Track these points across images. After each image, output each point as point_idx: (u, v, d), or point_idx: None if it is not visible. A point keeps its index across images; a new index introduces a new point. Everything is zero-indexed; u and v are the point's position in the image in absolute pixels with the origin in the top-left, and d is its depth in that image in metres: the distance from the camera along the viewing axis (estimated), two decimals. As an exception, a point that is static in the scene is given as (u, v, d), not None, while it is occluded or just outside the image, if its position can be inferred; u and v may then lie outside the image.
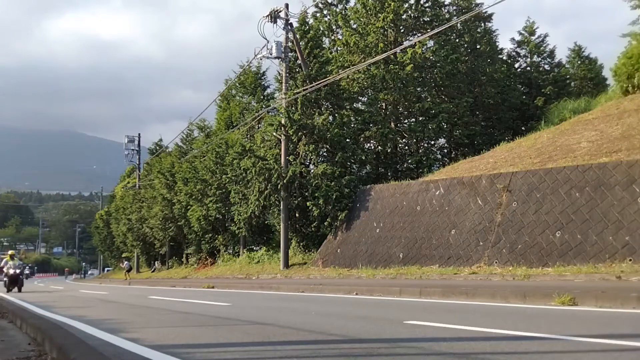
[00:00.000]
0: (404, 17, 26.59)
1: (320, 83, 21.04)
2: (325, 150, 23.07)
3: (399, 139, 27.20)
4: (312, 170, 22.79)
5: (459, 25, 29.64)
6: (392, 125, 26.23)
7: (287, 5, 22.25)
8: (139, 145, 46.45)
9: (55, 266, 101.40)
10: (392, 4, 25.54)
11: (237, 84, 31.60)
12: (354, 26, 27.55)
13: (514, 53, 34.51)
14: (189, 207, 31.43)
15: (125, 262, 44.32)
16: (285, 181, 21.49)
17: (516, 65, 34.44)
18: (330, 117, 22.44)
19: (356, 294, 12.15)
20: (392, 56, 24.93)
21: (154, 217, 36.87)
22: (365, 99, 27.52)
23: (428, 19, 26.97)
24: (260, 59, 25.17)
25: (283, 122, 21.94)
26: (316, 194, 21.04)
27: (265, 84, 30.72)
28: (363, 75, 26.09)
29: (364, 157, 23.81)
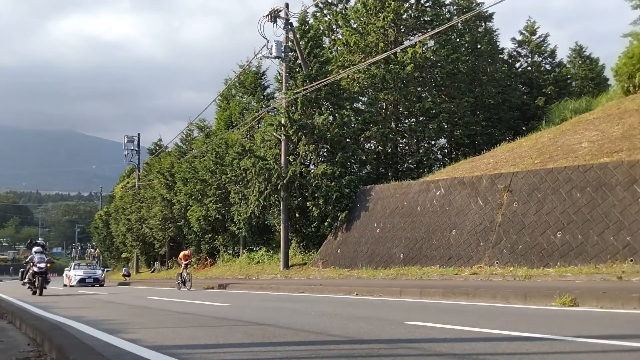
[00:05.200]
0: (404, 16, 26.56)
1: (321, 83, 21.01)
2: (325, 150, 23.04)
3: (399, 139, 27.17)
4: (312, 171, 22.75)
5: (459, 24, 29.62)
6: (393, 125, 26.20)
7: (287, 5, 22.22)
8: (138, 145, 46.39)
9: (55, 267, 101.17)
10: (393, 3, 25.50)
11: (237, 84, 31.56)
12: (354, 26, 27.51)
13: (515, 53, 34.52)
14: (188, 207, 31.41)
15: (124, 269, 44.58)
16: (285, 181, 21.46)
17: (517, 65, 34.43)
18: (331, 117, 22.41)
19: (356, 294, 12.13)
20: (392, 56, 24.89)
21: (154, 217, 36.85)
22: (366, 98, 27.49)
23: (428, 18, 26.92)
24: (260, 59, 25.17)
25: (283, 122, 21.92)
26: (316, 194, 21.01)
27: (265, 84, 30.69)
28: (363, 75, 26.05)
29: (364, 157, 23.78)
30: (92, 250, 50.42)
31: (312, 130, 21.72)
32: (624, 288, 8.77)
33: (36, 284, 16.84)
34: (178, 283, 19.80)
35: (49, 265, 17.57)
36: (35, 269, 16.73)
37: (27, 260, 17.96)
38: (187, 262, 19.85)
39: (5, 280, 60.91)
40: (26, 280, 17.81)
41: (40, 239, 23.38)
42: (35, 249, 17.48)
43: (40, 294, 16.41)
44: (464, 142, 27.89)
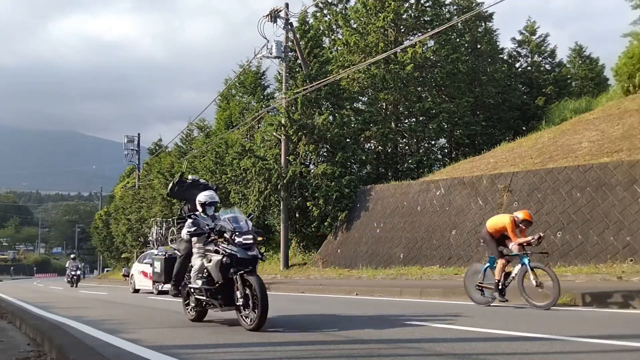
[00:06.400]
0: (404, 16, 26.55)
1: (320, 83, 21.01)
2: (325, 150, 23.03)
3: (399, 138, 27.15)
4: (312, 171, 22.75)
5: (459, 24, 29.60)
6: (393, 125, 26.20)
7: (287, 5, 22.21)
8: (138, 145, 46.41)
9: (55, 266, 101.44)
10: (393, 3, 25.50)
11: (237, 84, 31.56)
12: (354, 26, 27.51)
13: (515, 53, 34.48)
14: (188, 207, 31.37)
15: (124, 269, 44.65)
16: (285, 181, 21.46)
17: (517, 65, 34.39)
18: (331, 117, 22.40)
19: (356, 294, 12.14)
20: (392, 56, 24.88)
21: (154, 217, 36.82)
22: (366, 98, 27.48)
23: (428, 18, 26.92)
24: (260, 59, 25.16)
25: (283, 122, 21.92)
26: (316, 194, 21.01)
27: (265, 84, 30.64)
28: (363, 75, 26.05)
29: (364, 157, 23.77)
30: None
31: (312, 130, 21.72)
32: (624, 288, 8.76)
33: (239, 294, 6.28)
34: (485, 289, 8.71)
35: (260, 239, 6.74)
36: (234, 251, 6.29)
37: (194, 229, 6.74)
38: (534, 239, 8.44)
39: (5, 280, 60.88)
40: (194, 284, 6.90)
41: (199, 179, 8.22)
42: (204, 197, 6.99)
43: (258, 328, 6.09)
44: (464, 142, 27.88)
